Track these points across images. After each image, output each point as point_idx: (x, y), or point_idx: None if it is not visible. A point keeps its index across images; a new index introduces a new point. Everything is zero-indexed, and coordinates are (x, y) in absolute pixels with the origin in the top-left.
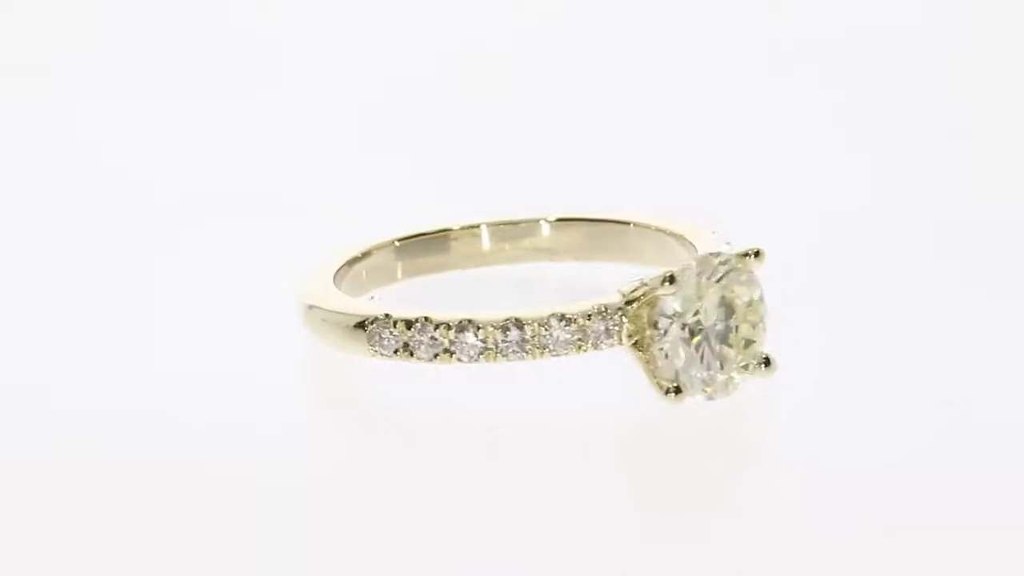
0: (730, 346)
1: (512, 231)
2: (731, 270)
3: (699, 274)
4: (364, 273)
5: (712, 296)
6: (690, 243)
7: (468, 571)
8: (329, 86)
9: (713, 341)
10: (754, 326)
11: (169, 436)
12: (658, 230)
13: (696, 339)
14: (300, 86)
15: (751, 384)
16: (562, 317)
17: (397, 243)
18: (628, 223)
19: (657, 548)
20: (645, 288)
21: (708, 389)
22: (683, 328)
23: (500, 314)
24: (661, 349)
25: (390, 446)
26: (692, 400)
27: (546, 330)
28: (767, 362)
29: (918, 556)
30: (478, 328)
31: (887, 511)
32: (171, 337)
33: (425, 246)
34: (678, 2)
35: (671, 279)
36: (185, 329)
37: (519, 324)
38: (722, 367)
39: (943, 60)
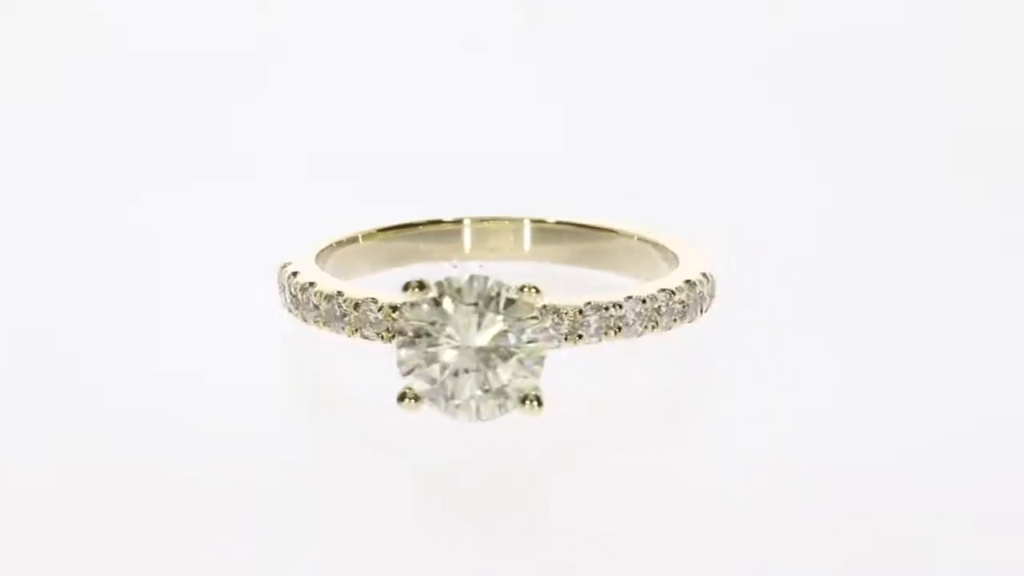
0: (487, 374)
1: (495, 228)
2: (497, 299)
3: (449, 291)
4: (348, 258)
5: (474, 319)
6: (673, 255)
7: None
8: (327, 83)
9: (473, 364)
10: (525, 362)
11: (154, 433)
12: (641, 240)
13: (444, 356)
14: (298, 84)
15: (516, 418)
16: (374, 301)
17: (381, 231)
18: (612, 231)
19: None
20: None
21: (459, 409)
22: (424, 339)
23: (332, 285)
24: (403, 354)
25: (373, 440)
26: (432, 413)
27: (357, 311)
28: (538, 401)
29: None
30: (314, 293)
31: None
32: (157, 335)
33: (409, 236)
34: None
35: (419, 286)
36: (172, 327)
37: (341, 296)
38: (480, 393)
39: (929, 68)
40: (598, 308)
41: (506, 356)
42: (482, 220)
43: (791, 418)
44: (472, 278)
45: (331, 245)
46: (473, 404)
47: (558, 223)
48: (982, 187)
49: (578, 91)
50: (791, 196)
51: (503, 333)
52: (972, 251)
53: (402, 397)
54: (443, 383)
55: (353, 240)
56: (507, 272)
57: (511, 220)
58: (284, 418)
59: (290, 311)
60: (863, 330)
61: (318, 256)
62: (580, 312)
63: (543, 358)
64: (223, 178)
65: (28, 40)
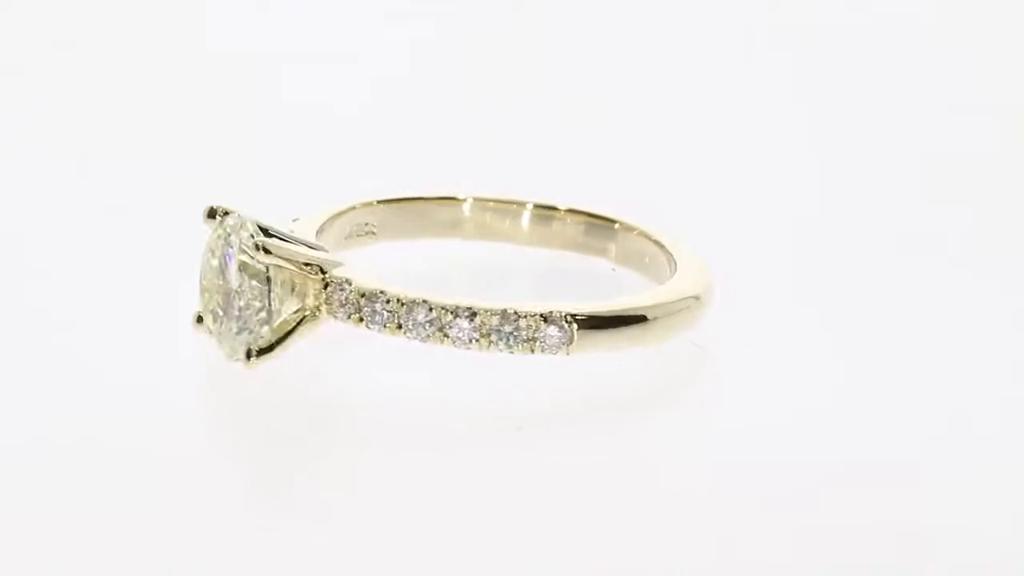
0: (232, 318)
1: (495, 208)
2: (248, 251)
3: (232, 229)
4: (345, 228)
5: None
6: (668, 252)
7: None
8: (327, 83)
9: (224, 305)
10: (252, 315)
11: (155, 427)
12: (641, 234)
13: (213, 289)
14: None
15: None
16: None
17: (378, 203)
18: (614, 221)
19: None
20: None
21: (220, 342)
22: (208, 268)
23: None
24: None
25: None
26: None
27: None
28: (258, 355)
29: None
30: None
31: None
32: (156, 333)
33: (408, 210)
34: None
35: (219, 213)
36: (170, 324)
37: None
38: (228, 333)
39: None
40: (429, 308)
41: (237, 306)
42: (485, 200)
43: (790, 418)
44: (249, 223)
45: (330, 218)
46: (225, 344)
47: (559, 208)
48: (982, 186)
49: (580, 90)
50: (791, 196)
51: (240, 284)
52: (972, 250)
53: (198, 319)
54: (215, 314)
55: (351, 210)
56: (494, 253)
57: (514, 202)
58: (282, 418)
59: None
60: (862, 330)
61: (319, 232)
62: (409, 308)
63: (265, 317)
64: (223, 177)
65: (27, 40)
